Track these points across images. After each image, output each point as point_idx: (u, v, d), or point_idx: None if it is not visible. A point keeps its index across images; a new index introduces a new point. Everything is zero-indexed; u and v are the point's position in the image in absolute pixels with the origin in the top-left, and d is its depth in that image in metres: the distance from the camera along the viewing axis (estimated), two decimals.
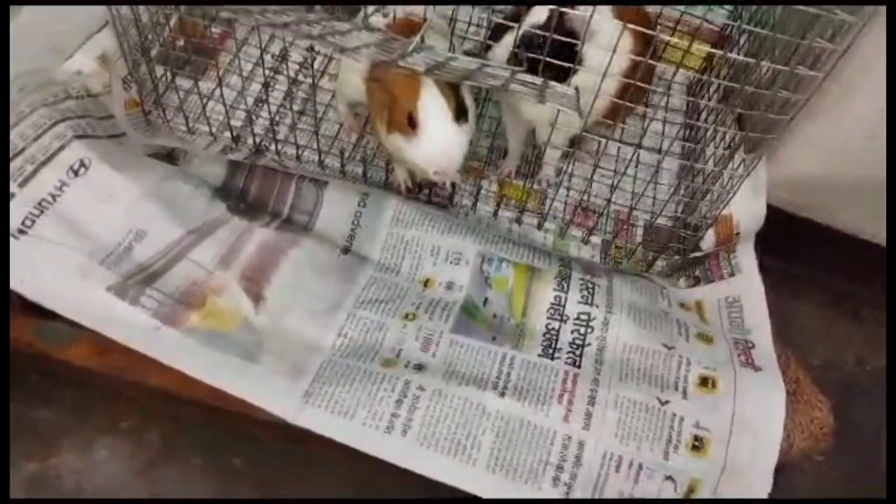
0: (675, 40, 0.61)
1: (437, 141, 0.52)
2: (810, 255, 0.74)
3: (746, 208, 0.67)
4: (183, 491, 0.54)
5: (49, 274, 0.51)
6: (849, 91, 0.64)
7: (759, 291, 0.62)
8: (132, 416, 0.56)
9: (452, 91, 0.52)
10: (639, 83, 0.50)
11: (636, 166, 0.69)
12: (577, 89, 0.49)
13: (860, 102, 0.65)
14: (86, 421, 0.55)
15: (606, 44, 0.49)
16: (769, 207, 0.68)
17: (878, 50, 0.60)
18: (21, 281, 0.50)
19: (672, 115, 0.75)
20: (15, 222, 0.52)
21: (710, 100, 0.71)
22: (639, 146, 0.57)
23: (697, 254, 0.66)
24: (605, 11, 0.55)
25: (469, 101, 0.54)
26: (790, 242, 0.72)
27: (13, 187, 0.53)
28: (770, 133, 0.53)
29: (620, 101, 0.55)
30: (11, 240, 0.51)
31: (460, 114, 0.52)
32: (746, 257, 0.64)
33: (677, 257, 0.65)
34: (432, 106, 0.51)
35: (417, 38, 0.50)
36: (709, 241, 0.66)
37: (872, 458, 0.66)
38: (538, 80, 0.50)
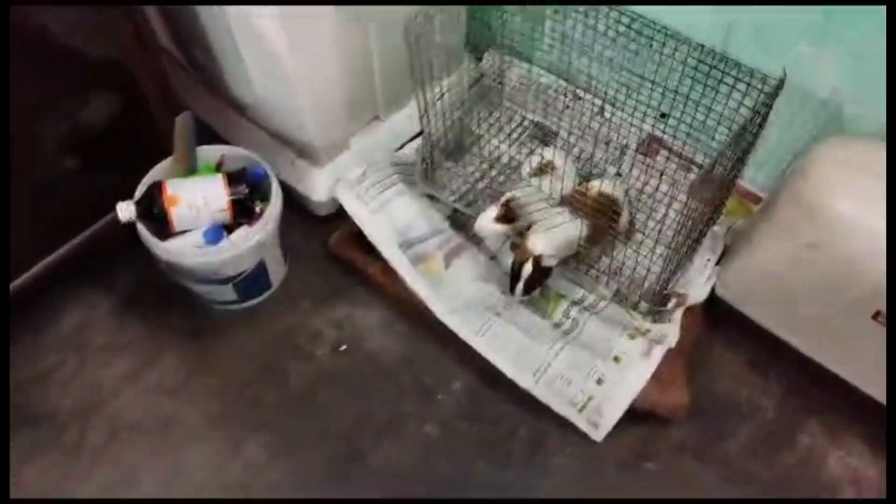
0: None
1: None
2: (749, 332, 1.28)
3: (695, 292, 1.26)
4: (402, 326, 1.31)
5: (379, 235, 1.27)
6: (760, 243, 1.18)
7: (676, 330, 1.21)
8: (389, 300, 1.32)
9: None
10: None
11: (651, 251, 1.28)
12: None
13: (763, 252, 1.18)
14: (374, 299, 1.34)
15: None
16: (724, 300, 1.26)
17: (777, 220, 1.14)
18: (371, 234, 1.28)
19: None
20: (374, 209, 1.30)
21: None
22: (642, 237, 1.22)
23: (662, 308, 1.26)
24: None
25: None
26: (739, 321, 1.27)
27: (375, 195, 1.33)
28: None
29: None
30: (372, 217, 1.30)
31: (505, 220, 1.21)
32: (678, 315, 1.24)
33: (653, 306, 1.26)
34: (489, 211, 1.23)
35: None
36: (671, 303, 1.27)
37: (715, 431, 1.21)
38: None
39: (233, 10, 1.10)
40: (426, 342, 1.30)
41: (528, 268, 1.18)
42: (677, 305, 1.25)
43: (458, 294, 1.26)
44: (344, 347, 1.30)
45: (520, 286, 1.20)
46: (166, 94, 1.17)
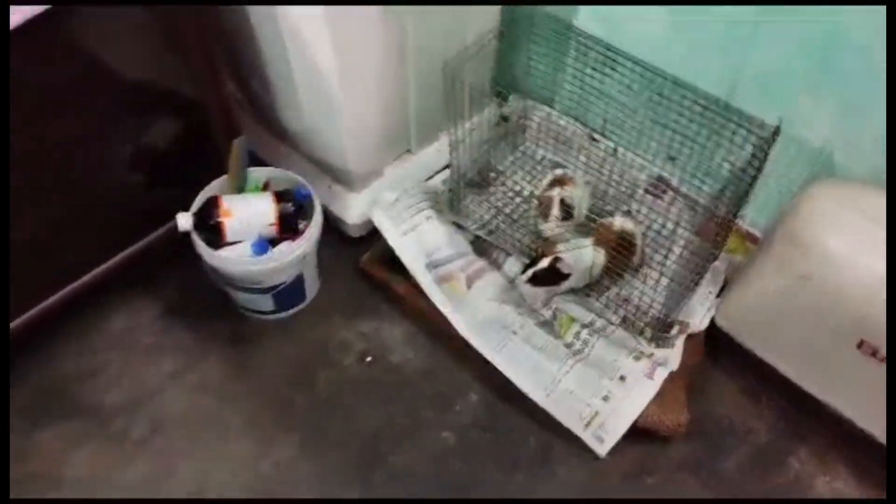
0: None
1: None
2: (745, 360, 1.38)
3: (697, 321, 1.36)
4: (424, 340, 1.42)
5: (408, 255, 1.40)
6: (756, 276, 1.29)
7: (678, 355, 1.32)
8: (413, 315, 1.44)
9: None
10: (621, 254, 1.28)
11: (656, 282, 1.40)
12: None
13: (758, 284, 1.29)
14: (399, 314, 1.45)
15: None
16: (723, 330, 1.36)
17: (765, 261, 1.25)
18: (401, 253, 1.40)
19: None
20: (405, 231, 1.43)
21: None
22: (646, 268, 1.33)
23: (666, 335, 1.37)
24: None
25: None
26: (736, 351, 1.37)
27: (406, 218, 1.45)
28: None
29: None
30: (403, 237, 1.42)
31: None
32: (680, 341, 1.34)
33: (657, 332, 1.37)
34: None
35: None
36: (674, 330, 1.37)
37: (712, 451, 1.31)
38: None
39: (292, 45, 1.24)
40: (446, 356, 1.40)
41: (544, 262, 1.29)
42: (680, 333, 1.36)
43: (478, 312, 1.37)
44: (370, 359, 1.40)
45: (529, 272, 1.30)
46: (228, 119, 1.30)
